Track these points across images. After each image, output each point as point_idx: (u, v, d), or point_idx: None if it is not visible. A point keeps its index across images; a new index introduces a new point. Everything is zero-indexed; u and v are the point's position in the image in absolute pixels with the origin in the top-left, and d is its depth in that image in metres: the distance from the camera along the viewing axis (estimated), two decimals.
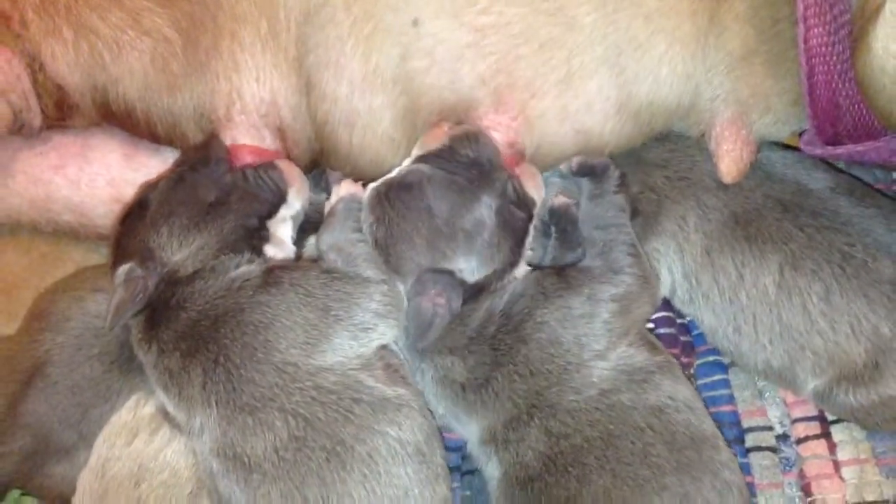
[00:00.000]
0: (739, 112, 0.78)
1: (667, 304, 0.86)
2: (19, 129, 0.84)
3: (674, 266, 0.83)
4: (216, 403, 0.70)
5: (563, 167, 0.82)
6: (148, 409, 0.81)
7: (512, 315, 0.75)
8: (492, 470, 0.75)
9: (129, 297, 0.73)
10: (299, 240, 0.83)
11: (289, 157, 0.83)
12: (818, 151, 0.80)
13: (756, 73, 0.77)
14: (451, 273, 0.74)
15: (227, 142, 0.81)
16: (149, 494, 0.76)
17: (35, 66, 0.81)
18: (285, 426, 0.69)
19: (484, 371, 0.74)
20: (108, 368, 0.83)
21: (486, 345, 0.75)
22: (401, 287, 0.75)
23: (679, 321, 0.87)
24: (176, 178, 0.78)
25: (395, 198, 0.76)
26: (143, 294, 0.74)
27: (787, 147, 0.85)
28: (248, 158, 0.80)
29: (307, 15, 0.78)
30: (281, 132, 0.82)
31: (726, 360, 0.86)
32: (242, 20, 0.78)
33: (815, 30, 0.70)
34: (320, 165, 0.88)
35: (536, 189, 0.79)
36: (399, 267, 0.75)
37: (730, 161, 0.78)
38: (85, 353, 0.84)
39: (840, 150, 0.79)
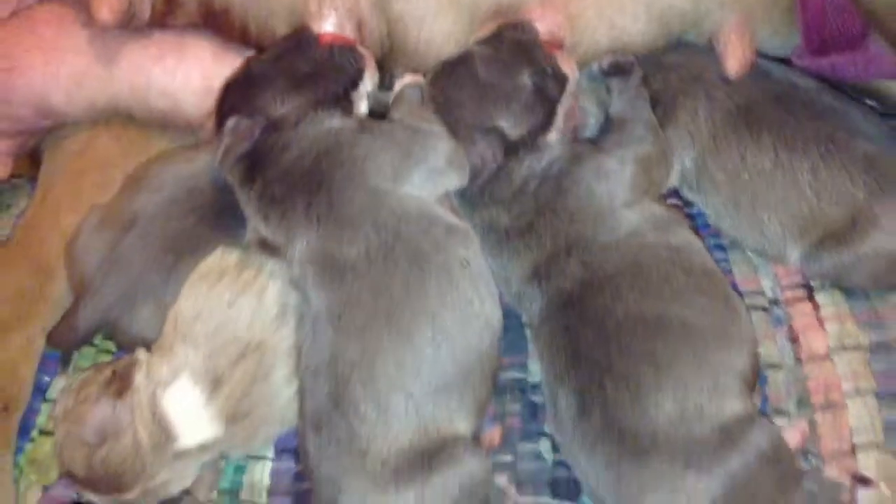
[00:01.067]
0: (744, 17, 0.95)
1: (676, 195, 1.02)
2: (130, 20, 0.98)
3: (684, 154, 0.98)
4: (317, 219, 0.83)
5: (594, 67, 0.98)
6: (233, 257, 0.93)
7: (551, 173, 0.90)
8: (534, 302, 0.88)
9: (237, 140, 0.86)
10: None
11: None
12: (805, 62, 0.98)
13: None
14: (494, 129, 0.89)
15: (316, 31, 0.96)
16: (237, 314, 0.88)
17: None
18: (376, 236, 0.82)
19: (527, 218, 0.89)
20: (199, 222, 0.95)
21: (528, 196, 0.89)
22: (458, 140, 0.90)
23: (687, 210, 1.02)
24: (275, 54, 0.93)
25: (448, 70, 0.92)
26: (250, 138, 0.87)
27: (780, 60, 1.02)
28: (333, 42, 0.95)
29: None
30: (360, 26, 0.97)
31: (726, 242, 1.01)
32: None
33: None
34: (385, 68, 1.03)
35: (570, 70, 0.94)
36: (455, 128, 0.89)
37: (734, 59, 0.95)
38: (178, 208, 0.95)
39: (824, 60, 0.96)
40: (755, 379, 0.85)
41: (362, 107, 0.94)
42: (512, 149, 0.90)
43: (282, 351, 0.88)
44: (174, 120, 1.03)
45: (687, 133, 0.98)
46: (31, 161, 1.14)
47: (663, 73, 1.00)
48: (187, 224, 0.95)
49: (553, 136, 0.92)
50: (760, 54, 0.99)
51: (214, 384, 0.86)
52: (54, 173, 1.05)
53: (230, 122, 0.88)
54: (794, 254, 0.95)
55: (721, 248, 1.01)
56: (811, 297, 0.96)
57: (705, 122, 0.97)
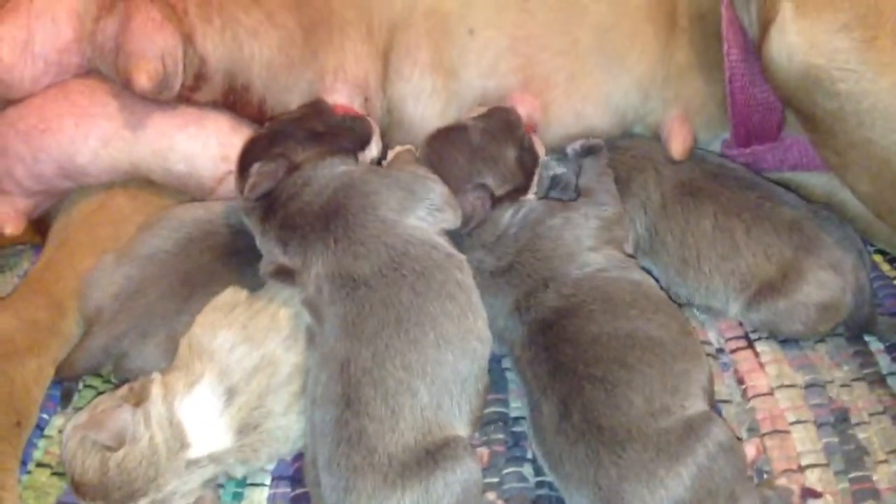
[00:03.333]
0: (683, 111, 1.15)
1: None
2: (161, 91, 1.11)
3: (638, 221, 1.15)
4: (334, 241, 0.94)
5: (569, 149, 1.15)
6: (243, 294, 1.02)
7: (528, 221, 1.05)
8: (516, 332, 1.00)
9: (263, 178, 0.97)
10: None
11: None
12: (733, 152, 1.18)
13: (696, 80, 1.15)
14: (483, 185, 1.04)
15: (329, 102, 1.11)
16: (252, 333, 0.97)
17: (188, 42, 1.10)
18: (386, 254, 0.94)
19: (508, 259, 1.03)
20: (214, 259, 1.05)
21: (509, 239, 1.04)
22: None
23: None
24: (293, 117, 1.06)
25: (444, 135, 1.08)
26: (276, 178, 0.98)
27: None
28: (345, 112, 1.10)
29: (394, 23, 1.13)
30: (367, 101, 1.13)
31: (678, 303, 1.15)
32: (349, 23, 1.13)
33: (734, 49, 1.09)
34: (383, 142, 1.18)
35: (541, 149, 1.12)
36: (448, 182, 1.03)
37: (677, 143, 1.14)
38: (194, 246, 1.05)
39: (747, 150, 1.16)
40: (712, 395, 0.97)
41: None
42: (497, 202, 1.05)
43: (292, 368, 0.97)
44: (189, 183, 1.14)
45: (640, 202, 1.16)
46: (35, 229, 1.23)
47: (619, 154, 1.18)
48: (202, 261, 1.05)
49: (530, 195, 1.08)
50: (696, 146, 1.18)
51: (230, 394, 0.94)
52: (69, 226, 1.14)
53: (256, 166, 1.00)
54: (735, 306, 1.11)
55: None
56: (752, 346, 1.11)
57: (655, 193, 1.15)
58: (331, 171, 1.00)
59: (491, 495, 0.96)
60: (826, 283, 1.07)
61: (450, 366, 0.92)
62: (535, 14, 1.13)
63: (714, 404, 0.99)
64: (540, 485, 0.97)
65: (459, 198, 1.03)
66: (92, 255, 1.09)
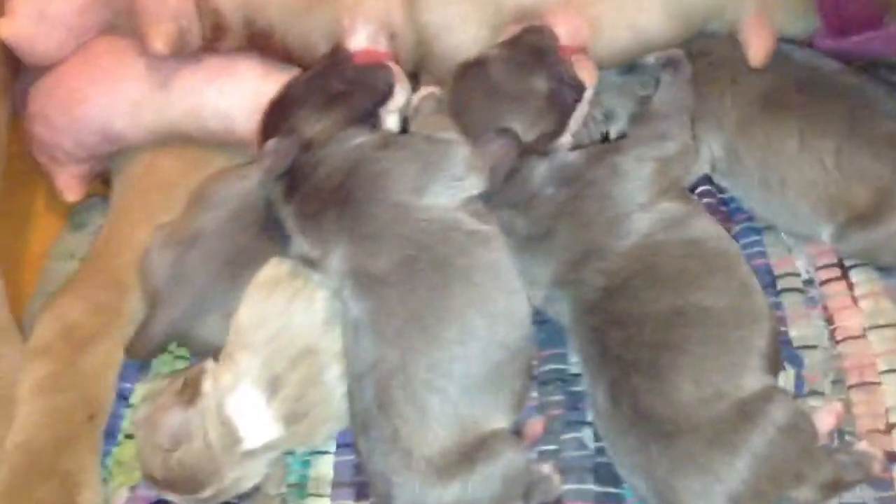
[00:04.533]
0: (763, 8, 0.97)
1: (708, 181, 1.04)
2: (182, 49, 1.05)
3: (713, 140, 1.01)
4: (348, 234, 0.89)
5: (649, 58, 1.01)
6: (285, 267, 0.99)
7: (566, 176, 0.93)
8: (561, 305, 0.92)
9: (277, 160, 0.93)
10: None
11: (397, 62, 1.03)
12: (828, 43, 0.99)
13: None
14: (508, 129, 0.93)
15: (351, 47, 1.01)
16: (290, 320, 0.95)
17: None
18: (402, 248, 0.88)
19: (545, 224, 0.92)
20: (256, 236, 1.02)
21: (545, 200, 0.93)
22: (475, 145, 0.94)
23: (720, 196, 1.05)
24: (310, 76, 0.99)
25: (463, 74, 0.96)
26: (290, 157, 0.93)
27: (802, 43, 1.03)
28: (367, 58, 1.01)
29: None
30: (393, 38, 1.02)
31: (760, 225, 1.03)
32: None
33: None
34: (418, 76, 1.08)
35: (588, 76, 0.98)
36: (470, 130, 0.93)
37: (757, 48, 0.97)
38: (235, 224, 1.02)
39: (845, 41, 0.97)
40: (776, 356, 0.87)
41: (391, 121, 1.00)
42: (526, 151, 0.93)
43: (332, 354, 0.94)
44: (229, 138, 1.10)
45: (715, 119, 1.01)
46: (103, 181, 1.23)
47: (691, 60, 1.01)
48: (245, 238, 1.02)
49: (566, 141, 0.96)
50: (783, 39, 1.00)
51: (273, 388, 0.94)
52: (123, 193, 1.14)
53: (269, 144, 0.94)
54: (824, 233, 0.97)
55: (755, 230, 1.03)
56: (845, 276, 0.98)
57: (732, 107, 1.00)
58: (344, 146, 0.93)
59: (546, 467, 0.92)
60: None
61: (480, 360, 0.87)
62: None
63: (796, 355, 0.90)
64: (600, 451, 0.92)
65: (482, 149, 0.93)
66: (146, 225, 1.08)
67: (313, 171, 0.93)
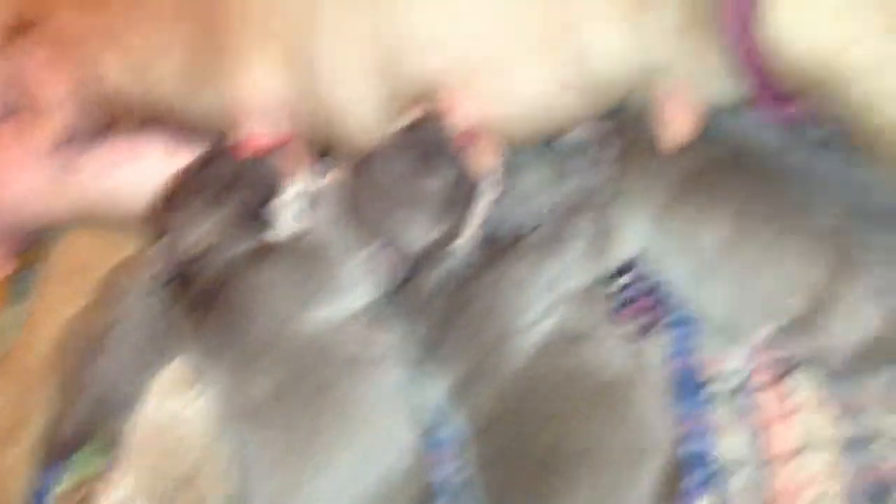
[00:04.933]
0: (680, 82, 0.85)
1: (635, 264, 0.94)
2: (73, 139, 1.01)
3: (638, 225, 0.90)
4: (226, 354, 0.84)
5: (572, 133, 0.91)
6: (186, 370, 0.95)
7: (457, 282, 0.85)
8: (460, 426, 0.85)
9: (161, 270, 0.88)
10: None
11: (299, 143, 0.96)
12: (767, 110, 0.86)
13: (692, 44, 0.83)
14: (399, 238, 0.85)
15: (245, 132, 0.95)
16: (175, 444, 0.91)
17: (89, 78, 0.97)
18: (279, 372, 0.82)
19: (436, 336, 0.85)
20: (169, 327, 0.96)
21: (436, 309, 0.85)
22: (363, 253, 0.87)
23: (648, 280, 0.94)
24: (192, 169, 0.93)
25: (356, 171, 0.88)
26: (171, 267, 0.88)
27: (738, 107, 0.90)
28: (261, 146, 0.94)
29: (303, 16, 0.91)
30: (291, 119, 0.95)
31: (691, 316, 0.92)
32: (252, 23, 0.92)
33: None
34: (330, 152, 1.00)
35: (489, 161, 0.89)
36: (360, 234, 0.86)
37: (674, 127, 0.85)
38: (149, 315, 0.97)
39: (786, 109, 0.85)
40: (672, 492, 0.79)
41: (287, 215, 0.93)
42: (420, 259, 0.86)
43: (217, 476, 0.90)
44: (139, 222, 1.05)
45: (637, 202, 0.90)
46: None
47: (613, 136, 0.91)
48: (158, 330, 0.97)
49: (464, 242, 0.87)
50: (715, 107, 0.88)
51: None
52: (46, 276, 1.11)
53: (155, 248, 0.89)
54: (757, 336, 0.86)
55: (685, 322, 0.92)
56: (781, 381, 0.87)
57: (653, 189, 0.89)
58: (222, 255, 0.87)
59: None
60: (866, 316, 0.80)
61: (355, 495, 0.81)
62: None
63: (718, 471, 0.81)
64: None
65: (372, 257, 0.86)
66: (65, 312, 1.05)
67: (193, 281, 0.87)
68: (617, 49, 0.84)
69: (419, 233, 0.86)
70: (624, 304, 0.93)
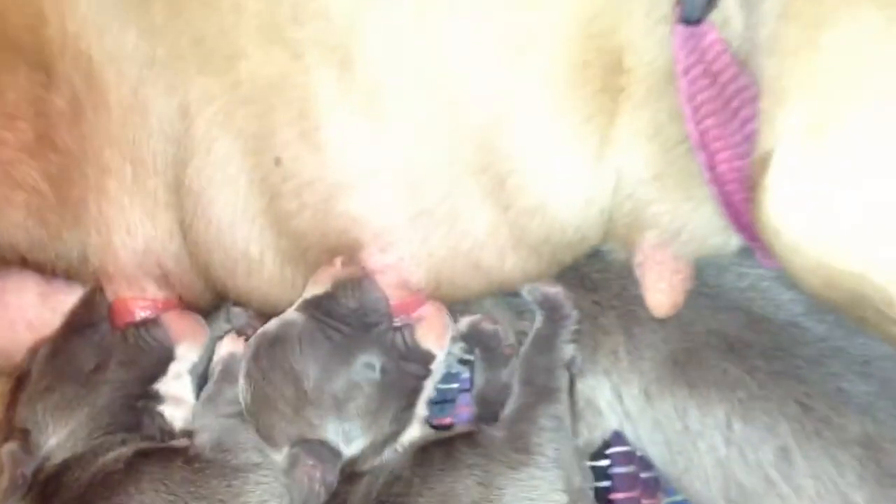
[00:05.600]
0: (662, 238, 0.65)
1: (623, 438, 0.75)
2: None
3: (614, 405, 0.71)
4: None
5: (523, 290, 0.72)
6: None
7: (388, 501, 0.65)
8: None
9: (11, 485, 0.69)
10: None
11: (181, 301, 0.76)
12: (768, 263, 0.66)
13: (671, 195, 0.63)
14: (322, 443, 0.65)
15: (110, 296, 0.75)
16: None
17: None
18: None
19: None
20: None
21: None
22: (277, 458, 0.68)
23: (639, 454, 0.75)
24: (55, 346, 0.74)
25: (262, 356, 0.67)
26: (23, 482, 0.69)
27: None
28: (131, 312, 0.75)
29: (173, 157, 0.71)
30: (165, 279, 0.75)
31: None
32: (107, 169, 0.72)
33: (723, 154, 0.57)
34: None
35: (436, 335, 0.68)
36: (269, 436, 0.67)
37: (657, 292, 0.65)
38: None
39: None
40: None
41: (181, 390, 0.74)
42: (352, 467, 0.67)
43: None
44: (8, 369, 0.87)
45: (610, 383, 0.70)
46: None
47: (577, 298, 0.71)
48: None
49: (411, 436, 0.68)
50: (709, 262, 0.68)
51: None
52: None
53: (5, 452, 0.70)
54: None
55: None
56: None
57: (630, 371, 0.69)
58: (82, 475, 0.69)
59: None
60: None
61: None
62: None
63: None
64: None
65: (288, 468, 0.66)
66: None
67: (55, 497, 0.69)
68: (574, 200, 0.64)
69: (351, 430, 0.66)
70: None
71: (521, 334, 0.72)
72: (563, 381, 0.67)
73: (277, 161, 0.68)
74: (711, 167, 0.58)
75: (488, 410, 0.70)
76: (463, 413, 0.78)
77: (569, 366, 0.68)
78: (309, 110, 0.66)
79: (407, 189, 0.66)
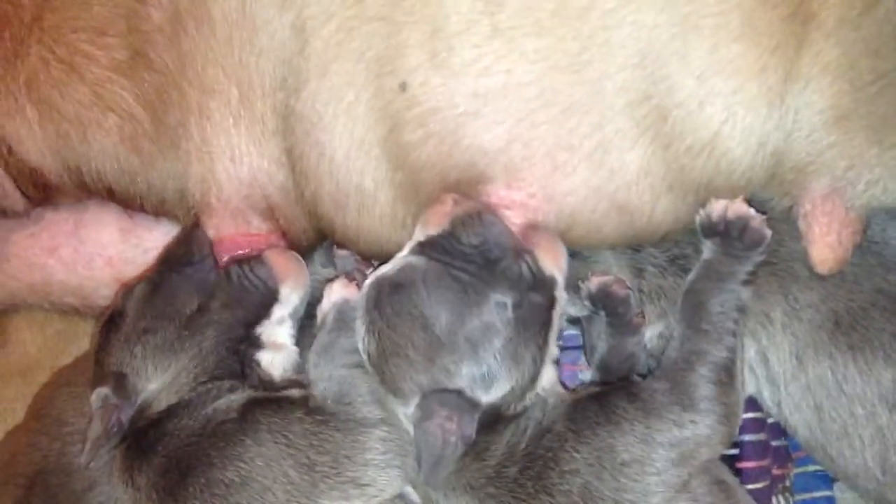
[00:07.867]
0: (835, 186, 0.58)
1: (755, 404, 0.70)
2: (3, 214, 0.76)
3: (757, 369, 0.66)
4: None
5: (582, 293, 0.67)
6: None
7: (536, 455, 0.60)
8: None
9: (104, 432, 0.64)
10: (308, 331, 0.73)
11: (286, 239, 0.71)
12: None
13: (854, 139, 0.57)
14: (458, 393, 0.60)
15: (210, 231, 0.69)
16: None
17: (3, 150, 0.72)
18: None
19: None
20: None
21: (505, 489, 0.60)
22: (402, 414, 0.62)
23: (770, 421, 0.70)
24: (153, 285, 0.68)
25: (385, 303, 0.62)
26: (119, 428, 0.65)
27: None
28: (235, 249, 0.69)
29: (283, 79, 0.64)
30: (270, 213, 0.69)
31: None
32: (210, 90, 0.66)
33: None
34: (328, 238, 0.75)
35: (556, 263, 0.63)
36: (396, 388, 0.62)
37: (824, 247, 0.59)
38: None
39: None
40: None
41: (282, 335, 0.69)
42: (489, 417, 0.61)
43: None
44: (90, 314, 0.82)
45: (757, 346, 0.65)
46: None
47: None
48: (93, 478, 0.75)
49: (547, 379, 0.63)
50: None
51: None
52: None
53: (96, 398, 0.66)
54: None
55: (824, 480, 0.71)
56: None
57: (783, 333, 0.64)
58: (189, 424, 0.64)
59: None
60: None
61: None
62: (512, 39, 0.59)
63: None
64: None
65: (419, 420, 0.61)
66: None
67: (150, 455, 0.65)
68: (746, 140, 0.57)
69: (483, 381, 0.61)
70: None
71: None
72: (738, 325, 0.61)
73: (403, 86, 0.61)
74: None
75: (610, 378, 0.66)
76: (566, 371, 0.74)
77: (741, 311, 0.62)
78: (442, 30, 0.60)
79: (548, 120, 0.60)
